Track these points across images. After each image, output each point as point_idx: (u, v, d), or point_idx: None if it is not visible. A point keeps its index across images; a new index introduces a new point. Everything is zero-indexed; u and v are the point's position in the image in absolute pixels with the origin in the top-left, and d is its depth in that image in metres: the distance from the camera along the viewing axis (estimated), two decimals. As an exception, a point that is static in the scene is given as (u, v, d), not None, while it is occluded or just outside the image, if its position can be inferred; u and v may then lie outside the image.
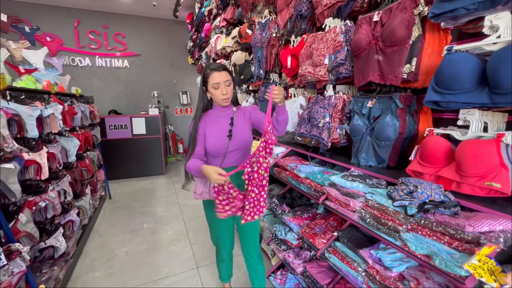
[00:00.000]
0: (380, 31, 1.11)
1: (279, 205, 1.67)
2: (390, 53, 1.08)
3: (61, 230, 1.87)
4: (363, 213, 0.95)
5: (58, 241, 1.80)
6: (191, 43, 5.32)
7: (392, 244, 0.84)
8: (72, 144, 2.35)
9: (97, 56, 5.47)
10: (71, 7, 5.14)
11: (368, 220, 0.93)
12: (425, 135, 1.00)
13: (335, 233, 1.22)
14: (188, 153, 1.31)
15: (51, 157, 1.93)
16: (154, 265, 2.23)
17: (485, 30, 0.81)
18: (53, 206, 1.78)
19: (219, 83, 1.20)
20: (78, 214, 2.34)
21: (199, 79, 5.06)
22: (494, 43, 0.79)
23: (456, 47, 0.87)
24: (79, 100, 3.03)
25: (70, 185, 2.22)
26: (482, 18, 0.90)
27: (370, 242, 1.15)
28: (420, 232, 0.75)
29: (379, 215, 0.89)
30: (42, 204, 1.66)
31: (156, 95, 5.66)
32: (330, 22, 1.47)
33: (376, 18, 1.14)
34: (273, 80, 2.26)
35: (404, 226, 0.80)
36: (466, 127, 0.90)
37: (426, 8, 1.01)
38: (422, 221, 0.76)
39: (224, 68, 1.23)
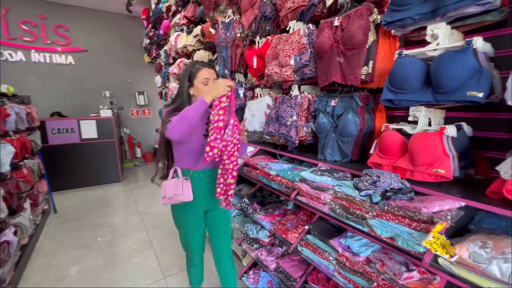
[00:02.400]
0: (341, 35, 1.20)
1: (250, 204, 1.68)
2: (350, 55, 1.17)
3: (-7, 253, 1.57)
4: (333, 205, 1.01)
5: (-11, 267, 1.51)
6: (148, 40, 5.01)
7: (360, 231, 0.91)
8: (5, 152, 2.00)
9: (33, 50, 4.77)
10: (-4, -8, 4.38)
11: (338, 211, 0.99)
12: (382, 130, 1.11)
13: (306, 227, 1.27)
14: (163, 125, 1.15)
15: (-24, 167, 1.62)
16: (114, 280, 2.03)
17: (428, 38, 0.93)
18: (-18, 226, 1.49)
19: (209, 78, 1.21)
20: (15, 233, 2.00)
21: (157, 78, 4.80)
22: (435, 49, 0.92)
23: (405, 52, 0.98)
24: (12, 100, 2.60)
25: (4, 200, 1.89)
26: (424, 28, 1.04)
27: (338, 232, 1.23)
28: (384, 218, 0.83)
29: (347, 205, 0.96)
30: (-33, 224, 1.37)
31: (108, 95, 5.17)
32: (294, 25, 1.53)
33: (336, 23, 1.22)
34: (238, 80, 2.26)
35: (370, 213, 0.87)
36: (415, 122, 1.03)
37: (379, 16, 1.13)
38: (386, 207, 0.84)
39: (212, 66, 1.27)
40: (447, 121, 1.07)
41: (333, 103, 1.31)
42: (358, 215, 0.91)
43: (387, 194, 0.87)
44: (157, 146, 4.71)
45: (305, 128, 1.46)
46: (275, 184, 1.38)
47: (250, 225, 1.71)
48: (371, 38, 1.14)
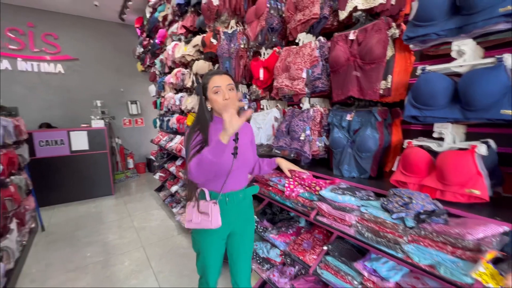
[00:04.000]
0: (358, 49, 1.17)
1: (260, 222, 1.60)
2: (369, 70, 1.14)
3: (-23, 285, 1.42)
4: (360, 227, 0.96)
5: (-27, 301, 1.36)
6: (142, 49, 4.91)
7: (392, 257, 0.85)
8: (-9, 169, 1.85)
9: (19, 59, 4.58)
10: (-19, -1, 4.21)
11: (366, 234, 0.93)
12: (403, 146, 1.07)
13: (325, 247, 1.21)
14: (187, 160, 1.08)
15: (-40, 189, 1.47)
16: (112, 307, 1.89)
17: (453, 54, 0.91)
18: (-34, 255, 1.34)
19: (220, 86, 1.07)
20: (1, 259, 1.83)
21: (151, 87, 4.69)
22: (461, 66, 0.90)
23: (429, 67, 0.96)
24: (-2, 113, 2.45)
25: (-11, 222, 1.73)
26: (444, 43, 1.03)
27: (359, 253, 1.18)
28: (422, 243, 0.78)
29: (377, 228, 0.91)
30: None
31: (99, 104, 5.00)
32: (303, 37, 1.51)
33: (352, 36, 1.20)
34: (242, 91, 2.21)
35: (404, 238, 0.82)
36: (439, 138, 1.00)
37: (397, 31, 1.11)
38: (422, 232, 0.79)
39: (225, 72, 1.13)
40: (469, 137, 1.05)
41: (349, 117, 1.27)
42: (390, 239, 0.86)
43: (421, 217, 0.83)
44: (152, 157, 4.57)
45: (318, 143, 1.42)
46: (290, 202, 1.32)
47: (259, 244, 1.63)
48: (390, 52, 1.12)
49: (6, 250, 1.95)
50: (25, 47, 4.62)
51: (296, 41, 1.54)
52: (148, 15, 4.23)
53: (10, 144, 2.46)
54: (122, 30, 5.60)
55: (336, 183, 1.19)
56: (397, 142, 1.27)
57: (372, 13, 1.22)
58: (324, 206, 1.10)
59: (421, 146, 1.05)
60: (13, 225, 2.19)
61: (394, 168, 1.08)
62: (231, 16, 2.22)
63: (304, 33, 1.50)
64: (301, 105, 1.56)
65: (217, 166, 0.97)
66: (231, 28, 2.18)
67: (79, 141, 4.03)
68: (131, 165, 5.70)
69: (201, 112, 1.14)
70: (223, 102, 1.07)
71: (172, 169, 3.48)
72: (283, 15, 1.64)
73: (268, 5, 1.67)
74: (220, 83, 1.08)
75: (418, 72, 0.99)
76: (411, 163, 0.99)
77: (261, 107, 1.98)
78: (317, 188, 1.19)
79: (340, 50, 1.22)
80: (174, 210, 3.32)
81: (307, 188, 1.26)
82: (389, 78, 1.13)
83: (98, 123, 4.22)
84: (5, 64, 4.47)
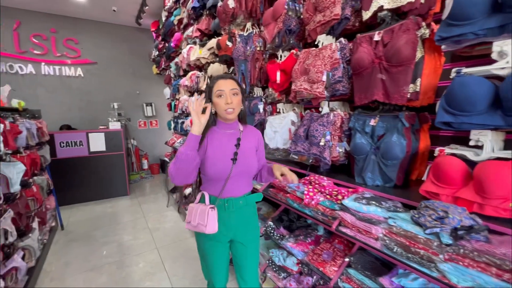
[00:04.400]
0: (383, 50, 1.11)
1: (276, 229, 1.56)
2: (395, 72, 1.08)
3: (1, 284, 1.46)
4: (388, 241, 0.90)
5: (-3, 299, 1.40)
6: (157, 52, 5.01)
7: (426, 275, 0.79)
8: (15, 170, 1.92)
9: (43, 63, 4.79)
10: (9, 7, 4.43)
11: (395, 249, 0.87)
12: (435, 154, 1.00)
13: (346, 259, 1.15)
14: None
15: (-13, 190, 1.53)
16: (127, 309, 1.90)
17: (494, 56, 0.84)
18: (-9, 255, 1.39)
19: (224, 90, 1.07)
20: (23, 257, 1.89)
21: (166, 90, 4.76)
22: (503, 68, 0.82)
23: (465, 69, 0.89)
24: (23, 115, 2.54)
25: (13, 222, 1.79)
26: (479, 44, 0.95)
27: (384, 266, 1.11)
28: (461, 263, 0.72)
29: (407, 243, 0.84)
30: (-25, 254, 1.27)
31: (116, 107, 5.15)
32: (323, 39, 1.46)
33: (377, 37, 1.14)
34: (257, 94, 2.18)
35: (440, 256, 0.76)
36: (475, 146, 0.92)
37: (427, 31, 1.04)
38: (461, 250, 0.72)
39: (231, 77, 1.12)
40: (508, 144, 0.97)
41: (372, 122, 1.21)
42: (423, 256, 0.80)
43: (459, 233, 0.76)
44: (166, 158, 4.63)
45: (338, 148, 1.36)
46: (309, 210, 1.27)
47: (275, 251, 1.59)
48: (419, 54, 1.05)
49: (28, 248, 2.02)
50: (48, 52, 4.82)
51: (316, 43, 1.49)
52: (164, 19, 4.30)
53: (33, 145, 2.55)
54: (138, 34, 5.73)
55: (359, 192, 1.13)
56: (424, 148, 1.20)
57: (398, 13, 1.16)
58: (348, 217, 1.04)
59: (454, 155, 0.97)
60: (35, 224, 2.27)
61: (424, 178, 1.01)
62: (247, 18, 2.20)
63: (324, 35, 1.46)
64: (320, 109, 1.50)
65: (191, 160, 0.99)
66: (247, 31, 2.15)
67: (97, 143, 4.15)
68: (145, 166, 5.81)
69: None
70: (224, 106, 1.07)
71: (186, 171, 3.49)
72: (302, 16, 1.59)
73: (286, 7, 1.64)
74: (224, 87, 1.07)
75: (453, 75, 0.92)
76: (444, 172, 0.92)
77: (277, 110, 1.94)
78: (339, 196, 1.14)
79: (363, 52, 1.16)
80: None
81: (327, 196, 1.21)
82: (418, 81, 1.06)
83: (115, 125, 4.33)
84: (30, 68, 4.68)
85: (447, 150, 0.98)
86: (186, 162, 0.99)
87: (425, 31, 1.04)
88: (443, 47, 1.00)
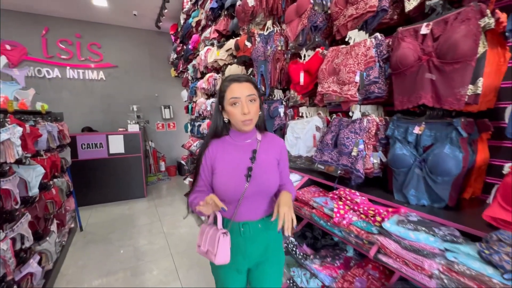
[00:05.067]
0: (433, 45, 0.93)
1: (299, 246, 1.40)
2: (450, 71, 0.90)
3: (15, 291, 1.43)
4: (446, 281, 0.72)
5: (9, 307, 1.36)
6: (175, 55, 5.03)
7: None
8: (35, 174, 1.92)
9: (68, 67, 4.96)
10: (38, 14, 4.64)
11: (458, 292, 0.69)
12: (504, 172, 0.81)
13: (385, 291, 0.98)
14: (191, 186, 1.07)
15: (4, 194, 1.51)
16: (139, 321, 1.82)
17: None
18: (4, 262, 1.35)
19: (239, 97, 0.89)
20: (40, 262, 1.88)
21: (184, 92, 4.75)
22: None
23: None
24: (45, 118, 2.58)
25: (30, 225, 1.78)
26: None
27: (433, 304, 0.92)
28: None
29: (475, 286, 0.66)
30: (-13, 263, 1.24)
31: (135, 109, 5.23)
32: (355, 35, 1.29)
33: (424, 30, 0.96)
34: (277, 96, 2.04)
35: (527, 311, 0.57)
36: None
37: (492, 20, 0.85)
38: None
39: (247, 79, 0.93)
40: None
41: (417, 130, 1.03)
42: (500, 307, 0.62)
43: (553, 281, 0.57)
44: (182, 161, 4.60)
45: (372, 159, 1.18)
46: (340, 230, 1.10)
47: (297, 270, 1.43)
48: (481, 48, 0.86)
49: (45, 252, 2.01)
50: (73, 56, 5.00)
51: (346, 39, 1.33)
52: (182, 22, 4.30)
53: (54, 148, 2.58)
54: (157, 38, 5.81)
55: (403, 213, 0.96)
56: (482, 162, 0.99)
57: (451, 0, 0.97)
58: (390, 244, 0.87)
59: (529, 172, 0.77)
60: (53, 227, 2.27)
61: (489, 200, 0.82)
62: (267, 16, 2.07)
63: (356, 30, 1.29)
64: (350, 113, 1.33)
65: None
66: (267, 30, 2.03)
67: (116, 145, 4.20)
68: (162, 168, 5.85)
69: (213, 125, 1.00)
70: (240, 117, 0.90)
71: (202, 175, 3.43)
72: (329, 11, 1.44)
73: (312, 1, 1.49)
74: (239, 93, 0.89)
75: (532, 73, 0.73)
76: (520, 196, 0.73)
77: (300, 114, 1.79)
78: (378, 218, 0.96)
79: (408, 47, 0.98)
80: (202, 217, 3.24)
81: (362, 215, 1.04)
82: (480, 81, 0.87)
83: (133, 128, 4.37)
84: (56, 72, 4.87)
85: (523, 167, 0.78)
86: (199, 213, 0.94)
87: (489, 20, 0.85)
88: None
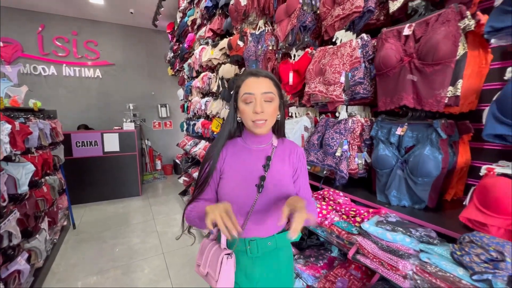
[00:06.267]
0: (415, 46, 0.93)
1: (284, 246, 1.40)
2: (431, 73, 0.90)
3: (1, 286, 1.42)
4: (420, 282, 0.72)
5: (-6, 305, 1.36)
6: (172, 54, 5.02)
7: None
8: (24, 171, 1.91)
9: (64, 65, 4.95)
10: (34, 11, 4.62)
11: (430, 293, 0.70)
12: (481, 174, 0.81)
13: (365, 292, 0.98)
14: (192, 193, 0.91)
15: (-10, 192, 1.51)
16: (128, 319, 1.82)
17: None
18: (-11, 260, 1.35)
19: (253, 94, 0.77)
20: (29, 259, 1.87)
21: (180, 91, 4.75)
22: None
23: (526, 69, 0.70)
24: (37, 116, 2.58)
25: (19, 223, 1.77)
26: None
27: (411, 305, 0.92)
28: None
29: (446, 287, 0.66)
30: (-29, 260, 1.24)
31: (132, 107, 5.22)
32: (342, 35, 1.29)
33: (407, 31, 0.96)
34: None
35: (494, 313, 0.58)
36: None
37: (472, 22, 0.85)
38: (526, 310, 0.54)
39: (267, 74, 0.81)
40: None
41: (399, 131, 1.03)
42: (469, 308, 0.62)
43: (520, 283, 0.57)
44: (178, 160, 4.60)
45: (357, 160, 1.19)
46: (323, 230, 1.10)
47: (283, 270, 1.43)
48: (461, 50, 0.86)
49: (34, 250, 2.01)
50: (69, 53, 4.98)
51: (334, 40, 1.33)
52: (178, 20, 4.29)
53: (46, 146, 2.57)
54: (154, 36, 5.80)
55: (383, 214, 0.96)
56: (463, 164, 1.00)
57: (434, 1, 0.98)
58: (368, 244, 0.87)
59: (506, 175, 0.78)
60: (44, 225, 2.27)
61: (465, 202, 0.82)
62: (259, 16, 2.07)
63: (343, 31, 1.29)
64: (337, 114, 1.34)
65: (200, 225, 0.79)
66: (259, 29, 2.03)
67: (111, 143, 4.20)
68: (158, 167, 5.85)
69: (225, 125, 0.87)
70: (251, 115, 0.78)
71: (195, 175, 3.43)
72: (318, 11, 1.44)
73: (301, 1, 1.49)
74: (254, 89, 0.78)
75: (508, 75, 0.73)
76: (495, 198, 0.73)
77: (289, 114, 1.79)
78: (358, 218, 0.97)
79: (391, 48, 0.98)
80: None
81: (343, 216, 1.04)
82: (459, 83, 0.87)
83: (129, 126, 4.37)
84: (52, 70, 4.85)
85: (498, 169, 0.79)
86: (196, 225, 0.82)
87: (469, 22, 0.85)
88: (493, 41, 0.81)
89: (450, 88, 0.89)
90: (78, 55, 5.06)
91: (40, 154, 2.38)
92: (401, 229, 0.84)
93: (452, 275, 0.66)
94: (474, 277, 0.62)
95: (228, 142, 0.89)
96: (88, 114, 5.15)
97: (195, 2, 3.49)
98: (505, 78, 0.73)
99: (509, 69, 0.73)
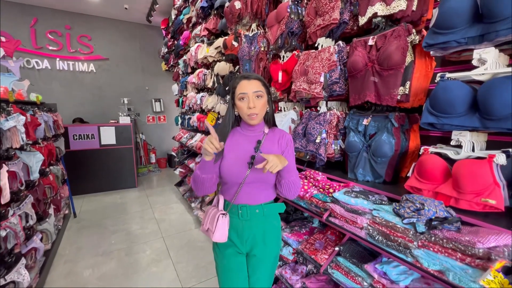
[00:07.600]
0: (376, 54, 1.18)
1: (274, 220, 1.66)
2: (386, 76, 1.15)
3: (23, 261, 1.61)
4: (371, 230, 0.98)
5: (20, 274, 1.55)
6: (166, 49, 5.14)
7: (402, 261, 0.88)
8: (35, 160, 2.07)
9: (58, 59, 4.99)
10: (26, 4, 4.63)
11: (377, 237, 0.96)
12: (420, 153, 1.08)
13: (336, 248, 1.24)
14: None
15: (11, 176, 1.68)
16: (135, 291, 2.04)
17: (474, 62, 0.91)
18: (15, 234, 1.54)
19: (246, 93, 0.98)
20: (41, 239, 2.05)
21: (174, 86, 4.90)
22: (482, 74, 0.89)
23: (448, 74, 0.96)
24: (41, 109, 2.71)
25: (33, 207, 1.95)
26: (465, 50, 1.02)
27: (371, 256, 1.20)
28: (431, 249, 0.80)
29: (388, 232, 0.93)
30: (3, 233, 1.42)
31: (126, 102, 5.32)
32: (323, 42, 1.53)
33: (371, 42, 1.21)
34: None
35: (414, 243, 0.84)
36: (457, 146, 0.99)
37: (417, 37, 1.11)
38: (433, 238, 0.81)
39: (256, 77, 1.02)
40: (490, 145, 1.03)
41: (365, 122, 1.29)
42: (401, 243, 0.88)
43: (433, 223, 0.84)
44: (173, 153, 4.77)
45: (333, 146, 1.44)
46: (304, 202, 1.36)
47: (273, 241, 1.69)
48: (409, 58, 1.12)
49: (45, 232, 2.18)
50: (62, 47, 5.02)
51: (316, 45, 1.57)
52: (173, 17, 4.42)
53: (50, 137, 2.72)
54: (148, 31, 5.88)
55: (350, 186, 1.22)
56: (414, 148, 1.27)
57: (392, 19, 1.23)
58: (337, 208, 1.13)
59: (438, 153, 1.04)
60: (51, 210, 2.44)
61: (409, 174, 1.09)
62: (252, 19, 2.28)
63: (324, 38, 1.53)
64: (318, 108, 1.59)
65: (207, 180, 1.01)
66: (252, 31, 2.24)
67: (108, 136, 4.33)
68: (153, 160, 5.99)
69: (225, 119, 1.08)
70: (246, 110, 0.99)
71: (192, 165, 3.63)
72: (303, 19, 1.67)
73: (289, 10, 1.72)
74: (247, 89, 0.98)
75: (437, 79, 0.99)
76: (426, 170, 1.00)
77: (279, 108, 2.03)
78: (331, 190, 1.22)
79: (358, 55, 1.23)
80: (193, 204, 3.46)
81: (321, 189, 1.30)
82: (408, 84, 1.13)
83: (124, 120, 4.50)
84: (46, 63, 4.89)
85: (431, 149, 1.06)
86: (202, 184, 1.02)
87: (414, 37, 1.11)
88: (431, 53, 1.07)
89: (401, 88, 1.15)
90: (72, 49, 5.10)
91: (46, 145, 2.53)
92: (362, 195, 1.10)
93: (392, 223, 0.93)
94: (404, 221, 0.88)
95: (231, 130, 1.10)
96: (82, 108, 5.22)
97: (190, 0, 3.64)
98: (436, 81, 0.99)
99: (438, 74, 0.99)
